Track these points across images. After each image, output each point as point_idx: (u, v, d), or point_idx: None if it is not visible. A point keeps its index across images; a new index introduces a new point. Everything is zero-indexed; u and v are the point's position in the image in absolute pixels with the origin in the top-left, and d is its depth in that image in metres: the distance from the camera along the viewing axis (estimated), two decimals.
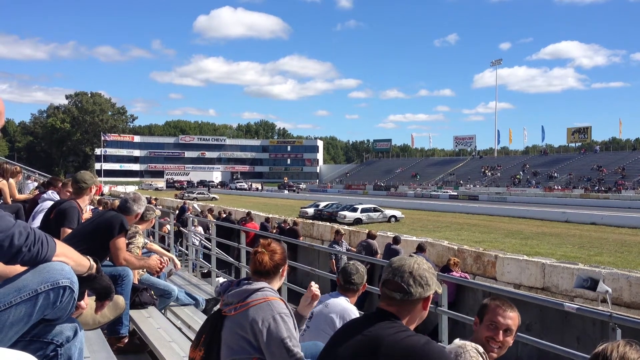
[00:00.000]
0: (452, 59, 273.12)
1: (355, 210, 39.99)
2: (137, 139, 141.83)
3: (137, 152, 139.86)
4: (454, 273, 11.11)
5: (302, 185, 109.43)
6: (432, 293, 2.30)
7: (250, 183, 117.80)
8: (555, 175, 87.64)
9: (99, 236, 4.50)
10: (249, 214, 21.79)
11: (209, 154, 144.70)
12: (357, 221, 37.48)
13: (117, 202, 6.08)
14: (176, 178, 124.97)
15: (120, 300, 3.38)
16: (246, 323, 2.74)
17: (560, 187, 78.54)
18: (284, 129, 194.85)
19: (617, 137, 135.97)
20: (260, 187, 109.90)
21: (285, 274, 3.12)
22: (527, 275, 13.94)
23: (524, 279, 13.98)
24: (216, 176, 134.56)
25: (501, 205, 54.40)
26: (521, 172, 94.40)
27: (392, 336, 2.15)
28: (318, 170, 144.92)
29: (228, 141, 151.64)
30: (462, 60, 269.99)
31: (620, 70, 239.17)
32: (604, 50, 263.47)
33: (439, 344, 5.14)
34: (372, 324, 2.25)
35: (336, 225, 23.38)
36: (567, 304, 4.38)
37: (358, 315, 3.68)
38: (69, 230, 4.70)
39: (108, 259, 4.73)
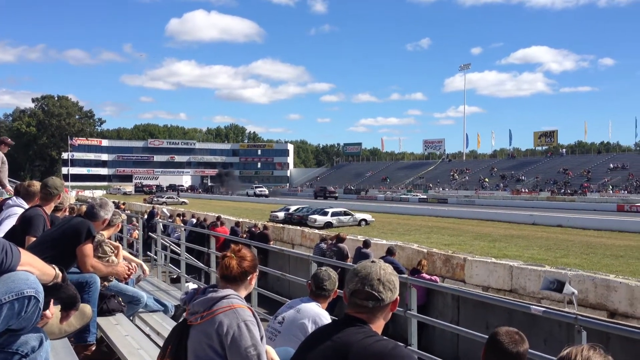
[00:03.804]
0: (424, 63, 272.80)
1: (325, 214, 40.04)
2: (105, 142, 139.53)
3: (105, 156, 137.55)
4: (424, 275, 11.20)
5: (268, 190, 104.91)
6: (398, 294, 2.36)
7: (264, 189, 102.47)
8: (523, 178, 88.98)
9: (65, 243, 4.44)
10: (219, 218, 21.69)
11: (178, 158, 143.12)
12: (328, 225, 37.50)
13: (84, 208, 6.00)
14: (145, 182, 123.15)
15: (87, 309, 3.34)
16: (212, 331, 2.72)
17: (527, 190, 79.77)
18: (254, 132, 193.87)
19: (582, 140, 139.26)
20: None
21: (254, 282, 3.08)
22: (495, 277, 14.12)
23: (492, 281, 14.16)
24: (186, 180, 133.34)
25: (470, 208, 54.96)
26: (486, 175, 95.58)
27: (360, 342, 2.18)
28: (288, 174, 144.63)
29: (198, 145, 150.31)
30: (434, 65, 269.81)
31: (589, 75, 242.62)
32: (573, 55, 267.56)
33: (408, 347, 5.19)
34: (341, 330, 2.28)
35: (322, 232, 23.45)
36: (533, 306, 4.45)
37: (330, 321, 3.69)
38: (34, 239, 4.63)
39: (75, 265, 4.67)
